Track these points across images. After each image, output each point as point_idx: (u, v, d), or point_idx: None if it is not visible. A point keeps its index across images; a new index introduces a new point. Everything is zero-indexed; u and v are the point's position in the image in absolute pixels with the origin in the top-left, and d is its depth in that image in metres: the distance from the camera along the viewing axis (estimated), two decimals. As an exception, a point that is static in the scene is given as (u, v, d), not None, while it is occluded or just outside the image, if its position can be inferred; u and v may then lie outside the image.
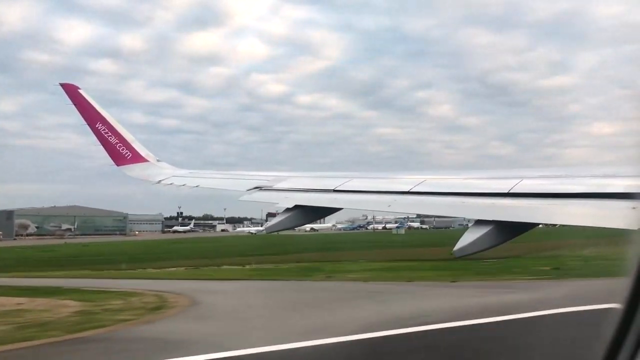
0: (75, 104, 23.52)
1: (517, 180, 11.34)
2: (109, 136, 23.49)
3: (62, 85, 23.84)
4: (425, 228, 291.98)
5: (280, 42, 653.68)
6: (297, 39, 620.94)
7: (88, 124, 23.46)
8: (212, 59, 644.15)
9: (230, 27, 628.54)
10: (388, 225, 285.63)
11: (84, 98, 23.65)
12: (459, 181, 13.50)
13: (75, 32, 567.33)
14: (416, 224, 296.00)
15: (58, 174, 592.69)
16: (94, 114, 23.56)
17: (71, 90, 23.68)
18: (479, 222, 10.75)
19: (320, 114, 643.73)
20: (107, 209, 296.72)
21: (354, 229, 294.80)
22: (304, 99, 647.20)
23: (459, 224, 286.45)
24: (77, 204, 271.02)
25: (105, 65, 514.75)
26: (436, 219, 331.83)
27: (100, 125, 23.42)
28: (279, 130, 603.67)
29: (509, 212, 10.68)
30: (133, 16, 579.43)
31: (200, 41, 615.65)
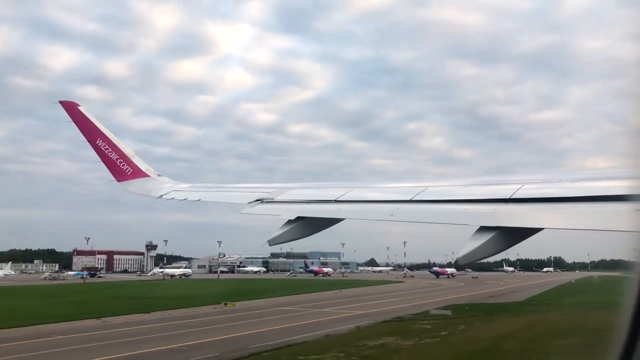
0: (74, 121, 23.57)
1: (518, 186, 11.36)
2: (109, 152, 23.53)
3: (62, 102, 23.87)
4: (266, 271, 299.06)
5: (265, 71, 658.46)
6: (282, 68, 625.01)
7: (88, 141, 23.50)
8: (199, 88, 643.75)
9: (214, 55, 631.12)
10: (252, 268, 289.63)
11: (84, 115, 23.68)
12: (460, 189, 13.62)
13: (58, 57, 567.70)
14: (257, 268, 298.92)
15: (51, 199, 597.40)
16: (94, 130, 23.59)
17: (71, 108, 23.71)
18: (482, 229, 10.63)
19: (312, 144, 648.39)
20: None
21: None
22: (295, 128, 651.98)
23: (299, 268, 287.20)
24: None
25: (91, 91, 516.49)
26: (281, 260, 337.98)
27: (101, 141, 23.46)
28: (273, 159, 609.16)
29: (511, 218, 10.70)
30: (115, 43, 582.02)
31: (186, 69, 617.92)
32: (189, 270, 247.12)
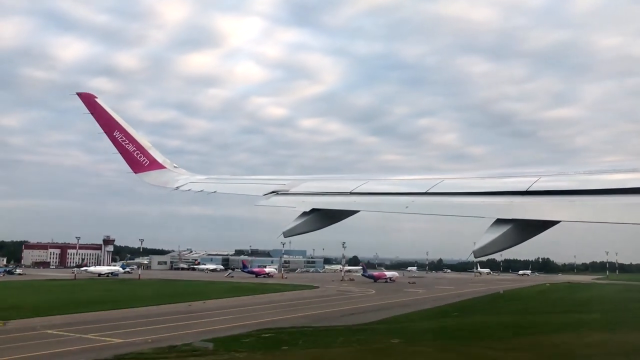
0: (92, 113, 23.77)
1: (535, 178, 11.30)
2: (126, 144, 23.71)
3: (79, 94, 24.11)
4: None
5: (275, 65, 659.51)
6: (292, 62, 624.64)
7: (105, 133, 23.70)
8: (209, 81, 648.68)
9: (224, 48, 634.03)
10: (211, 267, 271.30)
11: (101, 107, 23.89)
12: (476, 181, 13.49)
13: (69, 49, 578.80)
14: (214, 265, 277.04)
15: (65, 190, 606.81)
16: (111, 122, 23.79)
17: (88, 99, 23.93)
18: (498, 222, 10.59)
19: (323, 138, 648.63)
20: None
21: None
22: (305, 123, 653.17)
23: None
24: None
25: (102, 83, 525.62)
26: (242, 257, 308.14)
27: (118, 133, 23.65)
28: (284, 153, 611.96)
29: (527, 211, 10.62)
30: (125, 35, 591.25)
31: (196, 62, 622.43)
32: (118, 269, 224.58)
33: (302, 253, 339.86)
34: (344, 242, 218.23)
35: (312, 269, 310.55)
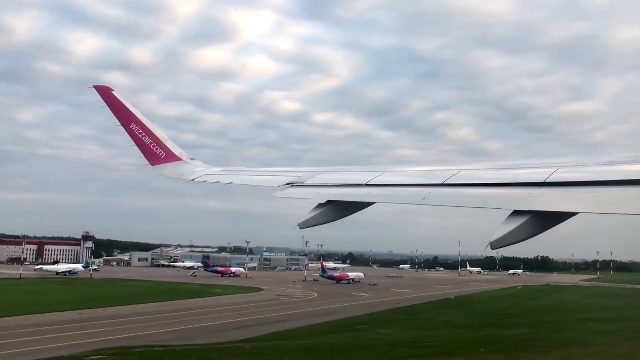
0: (109, 106, 23.97)
1: (553, 170, 11.30)
2: (143, 136, 23.94)
3: (96, 87, 24.36)
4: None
5: (288, 59, 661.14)
6: (305, 56, 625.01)
7: (122, 125, 23.90)
8: (223, 75, 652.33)
9: (237, 43, 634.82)
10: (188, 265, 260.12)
11: (118, 100, 24.09)
12: (493, 173, 13.47)
13: (83, 43, 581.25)
14: (192, 263, 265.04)
15: (83, 184, 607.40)
16: (128, 115, 24.00)
17: (105, 92, 24.14)
18: (516, 214, 10.61)
19: (337, 133, 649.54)
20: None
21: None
22: (319, 117, 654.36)
23: (237, 263, 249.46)
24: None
25: (116, 77, 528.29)
26: (222, 255, 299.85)
27: (135, 126, 23.86)
28: (298, 148, 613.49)
29: (545, 202, 10.61)
30: (139, 29, 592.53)
31: (209, 57, 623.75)
32: (77, 267, 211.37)
33: (286, 251, 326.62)
34: (305, 238, 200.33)
35: (295, 266, 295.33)
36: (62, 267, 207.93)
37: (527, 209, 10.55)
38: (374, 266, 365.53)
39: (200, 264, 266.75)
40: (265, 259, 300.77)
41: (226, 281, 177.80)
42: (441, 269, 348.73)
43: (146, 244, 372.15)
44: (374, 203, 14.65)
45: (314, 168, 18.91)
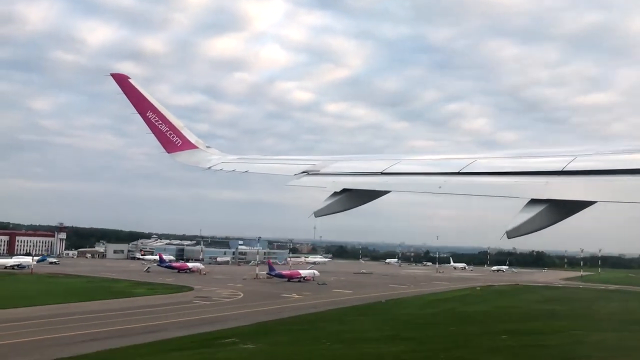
0: (125, 94, 24.11)
1: (571, 158, 11.27)
2: (159, 124, 24.06)
3: (113, 75, 24.47)
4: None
5: (299, 48, 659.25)
6: (316, 45, 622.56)
7: (139, 113, 24.03)
8: (235, 65, 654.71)
9: (248, 32, 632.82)
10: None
11: (134, 87, 24.25)
12: (510, 161, 13.42)
13: (95, 33, 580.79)
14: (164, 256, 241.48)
15: (99, 173, 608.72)
16: (144, 102, 24.13)
17: (121, 80, 24.28)
18: (533, 202, 10.61)
19: (350, 123, 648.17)
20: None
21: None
22: (331, 107, 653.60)
23: (209, 257, 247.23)
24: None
25: (129, 67, 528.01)
26: (196, 248, 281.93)
27: (151, 113, 23.99)
28: (311, 138, 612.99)
29: (563, 191, 10.60)
30: (150, 18, 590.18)
31: (221, 46, 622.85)
32: (26, 260, 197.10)
33: (263, 244, 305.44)
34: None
35: (274, 260, 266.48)
36: (10, 261, 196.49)
37: (544, 198, 10.53)
38: (362, 260, 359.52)
39: (172, 257, 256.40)
40: (241, 253, 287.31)
41: (170, 278, 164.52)
42: (429, 263, 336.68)
43: (140, 233, 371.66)
44: (389, 191, 14.64)
45: (329, 156, 18.99)
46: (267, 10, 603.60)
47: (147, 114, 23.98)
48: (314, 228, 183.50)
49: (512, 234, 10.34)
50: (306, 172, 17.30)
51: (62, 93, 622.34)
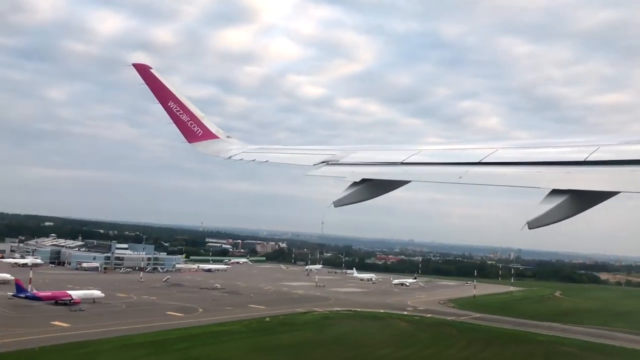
0: (147, 84, 24.27)
1: (594, 148, 11.22)
2: (180, 114, 24.25)
3: (135, 65, 24.64)
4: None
5: (310, 42, 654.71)
6: (327, 40, 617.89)
7: (160, 103, 24.22)
8: (246, 58, 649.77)
9: (258, 24, 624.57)
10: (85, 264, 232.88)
11: (156, 77, 24.41)
12: (531, 151, 13.36)
13: (105, 23, 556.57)
14: (32, 260, 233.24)
15: (116, 162, 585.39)
16: (166, 92, 24.31)
17: (143, 70, 24.46)
18: (554, 193, 10.58)
19: (363, 119, 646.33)
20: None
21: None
22: (344, 103, 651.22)
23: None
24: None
25: (139, 57, 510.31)
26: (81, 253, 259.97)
27: (172, 103, 24.19)
28: (324, 133, 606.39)
29: (585, 181, 10.57)
30: (159, 8, 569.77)
31: (231, 38, 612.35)
32: None
33: (149, 250, 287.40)
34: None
35: (162, 267, 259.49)
36: None
37: (566, 188, 10.50)
38: (282, 265, 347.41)
39: (38, 260, 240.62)
40: (118, 258, 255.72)
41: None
42: (349, 271, 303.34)
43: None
44: (409, 181, 14.61)
45: (348, 146, 19.05)
46: (276, 2, 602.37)
47: (169, 104, 24.17)
48: (322, 223, 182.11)
49: (533, 224, 10.27)
50: (325, 162, 17.31)
51: (76, 82, 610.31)
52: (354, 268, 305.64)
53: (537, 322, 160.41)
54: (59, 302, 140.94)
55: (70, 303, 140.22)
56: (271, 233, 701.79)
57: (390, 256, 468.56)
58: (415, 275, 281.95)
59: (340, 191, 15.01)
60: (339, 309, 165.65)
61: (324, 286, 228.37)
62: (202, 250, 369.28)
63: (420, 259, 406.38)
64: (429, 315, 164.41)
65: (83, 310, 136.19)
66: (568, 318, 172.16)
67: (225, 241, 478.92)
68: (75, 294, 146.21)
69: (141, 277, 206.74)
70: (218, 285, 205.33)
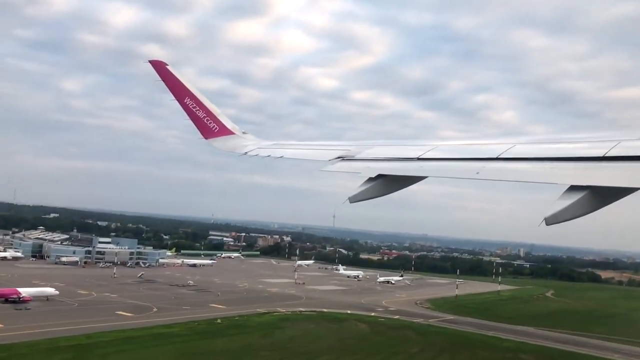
0: (163, 80, 24.43)
1: (614, 143, 11.09)
2: (197, 110, 24.39)
3: (151, 62, 24.84)
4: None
5: (323, 34, 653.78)
6: (340, 31, 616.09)
7: (177, 99, 24.35)
8: (258, 50, 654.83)
9: (270, 16, 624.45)
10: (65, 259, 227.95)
11: (172, 74, 24.54)
12: (549, 147, 13.26)
13: (119, 14, 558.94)
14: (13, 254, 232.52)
15: (128, 154, 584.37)
16: (182, 89, 24.42)
17: (160, 67, 24.64)
18: (572, 188, 10.48)
19: (376, 112, 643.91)
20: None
21: None
22: (357, 95, 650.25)
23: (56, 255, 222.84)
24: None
25: (153, 50, 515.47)
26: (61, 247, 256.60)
27: (188, 99, 24.30)
28: (337, 126, 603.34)
29: (604, 177, 10.44)
30: (172, 0, 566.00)
31: (244, 30, 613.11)
32: None
33: (132, 243, 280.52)
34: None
35: (144, 261, 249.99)
36: None
37: (584, 184, 10.38)
38: (273, 261, 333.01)
39: (18, 254, 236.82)
40: (99, 252, 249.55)
41: None
42: (339, 268, 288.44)
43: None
44: (425, 177, 14.46)
45: (364, 141, 19.00)
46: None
47: (185, 100, 24.29)
48: (333, 217, 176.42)
49: (550, 220, 10.20)
50: (341, 158, 17.28)
51: (90, 74, 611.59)
52: (340, 264, 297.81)
53: (511, 325, 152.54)
54: (9, 299, 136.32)
55: (20, 301, 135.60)
56: (282, 226, 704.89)
57: (393, 252, 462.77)
58: (401, 272, 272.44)
59: (356, 185, 14.98)
60: (303, 309, 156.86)
61: (304, 283, 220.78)
62: (197, 244, 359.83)
63: (414, 255, 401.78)
64: (397, 316, 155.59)
65: (29, 309, 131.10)
66: (547, 321, 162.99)
67: (228, 234, 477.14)
68: (27, 291, 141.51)
69: (114, 273, 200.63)
70: (191, 282, 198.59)
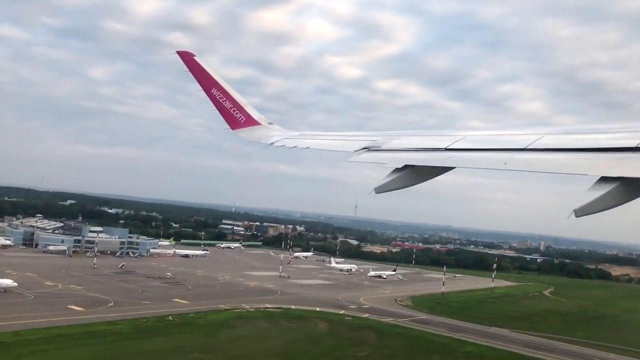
0: (191, 71, 24.54)
1: None
2: (223, 101, 24.54)
3: (179, 53, 24.93)
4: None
5: (346, 22, 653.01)
6: (364, 20, 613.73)
7: (204, 90, 24.48)
8: (282, 38, 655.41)
9: (294, 4, 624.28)
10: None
11: (199, 65, 24.64)
12: (580, 137, 13.00)
13: (144, 3, 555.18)
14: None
15: (154, 142, 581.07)
16: (209, 79, 24.55)
17: (187, 58, 24.73)
18: (603, 180, 10.33)
19: (401, 101, 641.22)
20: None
21: None
22: (381, 84, 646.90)
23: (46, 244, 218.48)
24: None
25: (178, 38, 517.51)
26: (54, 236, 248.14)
27: (216, 90, 24.45)
28: (361, 115, 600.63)
29: (637, 169, 10.20)
30: None
31: (267, 18, 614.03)
32: None
33: (124, 233, 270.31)
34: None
35: (136, 251, 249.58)
36: None
37: (615, 175, 10.22)
38: (271, 252, 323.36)
39: (8, 242, 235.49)
40: (88, 242, 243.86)
41: None
42: (334, 261, 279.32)
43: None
44: (453, 168, 14.34)
45: (390, 132, 18.86)
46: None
47: (212, 91, 24.45)
48: (355, 206, 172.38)
49: (579, 212, 10.03)
50: (367, 148, 17.20)
51: (117, 62, 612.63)
52: (331, 257, 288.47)
53: (485, 327, 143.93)
54: None
55: None
56: (304, 215, 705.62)
57: (405, 243, 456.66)
58: (395, 266, 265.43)
59: (380, 176, 14.90)
60: (270, 306, 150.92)
61: (288, 277, 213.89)
62: (201, 234, 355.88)
63: (414, 249, 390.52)
64: (366, 315, 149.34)
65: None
66: (527, 323, 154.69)
67: (240, 223, 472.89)
68: None
69: (94, 263, 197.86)
70: (169, 274, 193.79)
